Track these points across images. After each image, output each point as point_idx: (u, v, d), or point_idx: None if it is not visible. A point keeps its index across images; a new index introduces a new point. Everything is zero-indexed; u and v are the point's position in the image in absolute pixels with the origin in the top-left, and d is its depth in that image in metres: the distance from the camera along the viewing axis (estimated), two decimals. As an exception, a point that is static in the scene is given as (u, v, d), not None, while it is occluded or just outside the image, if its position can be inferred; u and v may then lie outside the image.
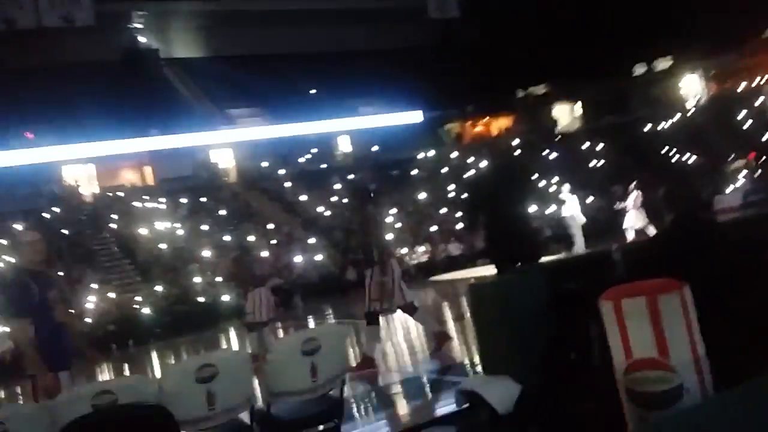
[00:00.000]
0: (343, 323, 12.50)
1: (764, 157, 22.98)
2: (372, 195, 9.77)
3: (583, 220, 15.11)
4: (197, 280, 19.01)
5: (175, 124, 26.50)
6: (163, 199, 23.22)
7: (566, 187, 15.84)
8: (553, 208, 15.91)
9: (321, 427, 4.18)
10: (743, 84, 27.64)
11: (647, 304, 1.23)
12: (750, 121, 25.04)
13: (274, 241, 21.11)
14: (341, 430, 4.28)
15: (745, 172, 22.91)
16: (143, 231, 21.04)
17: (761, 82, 26.09)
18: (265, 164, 26.93)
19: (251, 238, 20.09)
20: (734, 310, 1.94)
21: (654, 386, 1.21)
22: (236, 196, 24.85)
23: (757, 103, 24.66)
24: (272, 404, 4.00)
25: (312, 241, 21.60)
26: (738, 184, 22.29)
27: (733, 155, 23.97)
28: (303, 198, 24.63)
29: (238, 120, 30.03)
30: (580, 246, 14.73)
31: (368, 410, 6.19)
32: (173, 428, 2.94)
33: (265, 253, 18.77)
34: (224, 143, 27.85)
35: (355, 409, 5.92)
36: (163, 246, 20.52)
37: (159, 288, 18.40)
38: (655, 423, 1.10)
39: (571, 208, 15.19)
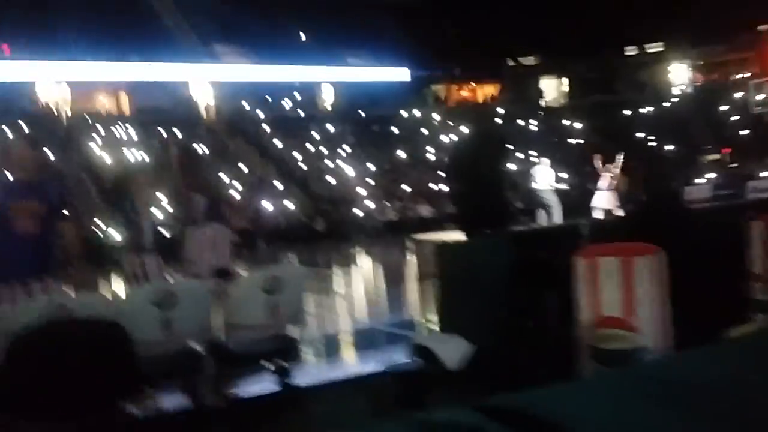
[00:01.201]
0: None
1: (736, 153, 23.25)
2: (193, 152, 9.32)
3: (555, 194, 15.10)
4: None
5: (156, 54, 25.81)
6: (136, 129, 22.79)
7: (544, 161, 15.81)
8: (528, 180, 15.92)
9: (271, 366, 4.20)
10: (730, 77, 27.78)
11: (621, 265, 1.23)
12: (731, 116, 25.24)
13: (244, 184, 20.90)
14: (291, 370, 4.31)
15: (717, 166, 23.19)
16: (112, 159, 20.69)
17: (747, 78, 26.21)
18: (244, 105, 26.51)
19: (224, 178, 19.90)
20: (704, 281, 1.95)
21: (618, 344, 1.21)
22: (212, 134, 24.47)
23: (740, 98, 24.82)
24: (228, 337, 4.01)
25: (282, 188, 21.44)
26: (709, 177, 22.56)
27: (709, 148, 24.21)
28: (279, 144, 24.36)
29: (221, 57, 29.37)
30: (554, 220, 14.75)
31: (320, 354, 6.24)
32: (128, 346, 2.92)
33: (235, 195, 18.62)
34: (205, 79, 27.30)
35: (307, 352, 5.95)
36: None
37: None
38: (614, 371, 1.10)
39: (547, 182, 15.18)
